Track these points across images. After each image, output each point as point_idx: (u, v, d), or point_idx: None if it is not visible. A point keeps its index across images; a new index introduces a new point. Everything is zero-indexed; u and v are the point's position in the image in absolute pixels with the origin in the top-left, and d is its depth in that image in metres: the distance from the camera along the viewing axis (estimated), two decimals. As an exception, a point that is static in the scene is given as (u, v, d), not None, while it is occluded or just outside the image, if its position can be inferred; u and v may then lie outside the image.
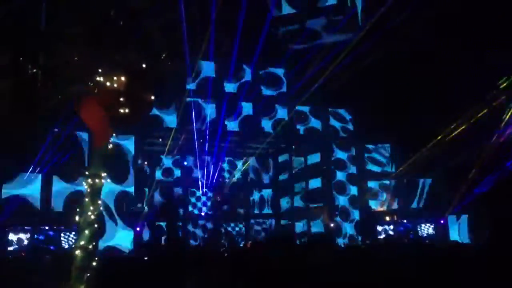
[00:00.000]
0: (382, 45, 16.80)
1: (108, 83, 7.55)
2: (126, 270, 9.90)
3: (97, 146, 7.58)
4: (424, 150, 19.12)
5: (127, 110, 7.70)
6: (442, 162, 18.53)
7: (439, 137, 18.70)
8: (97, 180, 7.33)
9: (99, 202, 7.41)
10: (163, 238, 19.70)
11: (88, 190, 7.37)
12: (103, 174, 7.42)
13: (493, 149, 18.01)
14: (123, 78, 7.66)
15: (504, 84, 17.63)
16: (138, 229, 18.21)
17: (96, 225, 7.25)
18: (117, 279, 8.85)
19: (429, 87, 17.90)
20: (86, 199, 7.33)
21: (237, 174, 22.42)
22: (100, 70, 7.59)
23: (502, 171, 17.68)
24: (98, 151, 7.54)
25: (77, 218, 7.44)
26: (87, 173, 7.42)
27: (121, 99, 7.61)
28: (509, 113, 17.80)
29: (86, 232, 7.14)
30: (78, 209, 7.45)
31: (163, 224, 20.44)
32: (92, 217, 7.20)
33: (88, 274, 7.02)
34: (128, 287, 9.10)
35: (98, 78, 7.58)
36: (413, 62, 17.75)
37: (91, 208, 7.26)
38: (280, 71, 21.16)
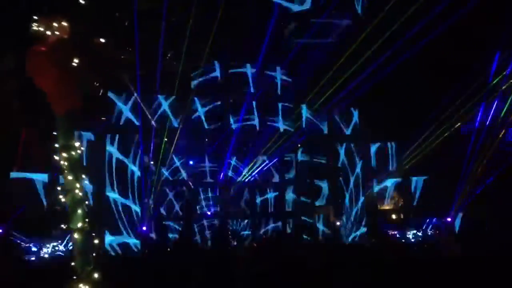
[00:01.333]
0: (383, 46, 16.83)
1: (48, 32, 6.31)
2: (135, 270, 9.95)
3: (58, 112, 6.40)
4: (428, 148, 19.09)
5: (77, 61, 6.46)
6: (445, 161, 18.46)
7: (442, 136, 18.68)
8: (72, 152, 6.40)
9: (83, 176, 6.54)
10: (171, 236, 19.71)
11: (66, 164, 6.45)
12: (76, 144, 6.48)
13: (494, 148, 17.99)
14: (64, 23, 6.41)
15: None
16: (144, 228, 18.25)
17: (87, 202, 6.46)
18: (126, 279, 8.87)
19: (431, 86, 17.88)
20: (69, 177, 6.41)
21: (245, 174, 22.35)
22: (35, 17, 6.37)
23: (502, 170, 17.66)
24: (62, 119, 6.39)
25: (62, 198, 6.54)
26: (57, 145, 6.45)
27: (67, 48, 6.40)
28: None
29: (79, 211, 6.32)
30: (59, 188, 6.69)
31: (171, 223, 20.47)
32: (80, 194, 6.38)
33: (94, 254, 6.35)
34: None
35: (35, 28, 6.36)
36: (416, 61, 17.68)
37: (77, 185, 6.38)
38: (284, 71, 21.14)
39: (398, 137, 20.26)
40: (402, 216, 21.09)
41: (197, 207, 21.41)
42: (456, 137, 18.74)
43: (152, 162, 20.51)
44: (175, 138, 19.87)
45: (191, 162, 21.57)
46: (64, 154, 6.35)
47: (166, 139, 20.27)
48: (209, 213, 21.92)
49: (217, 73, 20.25)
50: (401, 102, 18.38)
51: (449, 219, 19.72)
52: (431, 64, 17.84)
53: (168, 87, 19.49)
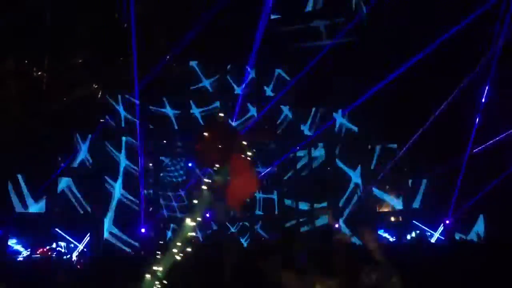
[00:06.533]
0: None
1: None
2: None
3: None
4: (427, 149, 19.04)
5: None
6: (445, 162, 18.42)
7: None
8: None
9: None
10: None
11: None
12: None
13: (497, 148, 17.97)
14: None
15: None
16: (143, 230, 18.28)
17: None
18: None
19: (429, 86, 17.91)
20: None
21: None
22: None
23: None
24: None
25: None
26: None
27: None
28: None
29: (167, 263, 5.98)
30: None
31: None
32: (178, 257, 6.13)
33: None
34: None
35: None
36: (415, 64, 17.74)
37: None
38: (282, 73, 21.26)
39: (400, 138, 20.08)
40: (400, 219, 21.09)
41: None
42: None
43: (151, 165, 20.56)
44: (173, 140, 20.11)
45: (190, 164, 21.57)
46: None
47: (165, 141, 20.43)
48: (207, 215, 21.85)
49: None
50: (402, 102, 18.38)
51: (447, 221, 19.71)
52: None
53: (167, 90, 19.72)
